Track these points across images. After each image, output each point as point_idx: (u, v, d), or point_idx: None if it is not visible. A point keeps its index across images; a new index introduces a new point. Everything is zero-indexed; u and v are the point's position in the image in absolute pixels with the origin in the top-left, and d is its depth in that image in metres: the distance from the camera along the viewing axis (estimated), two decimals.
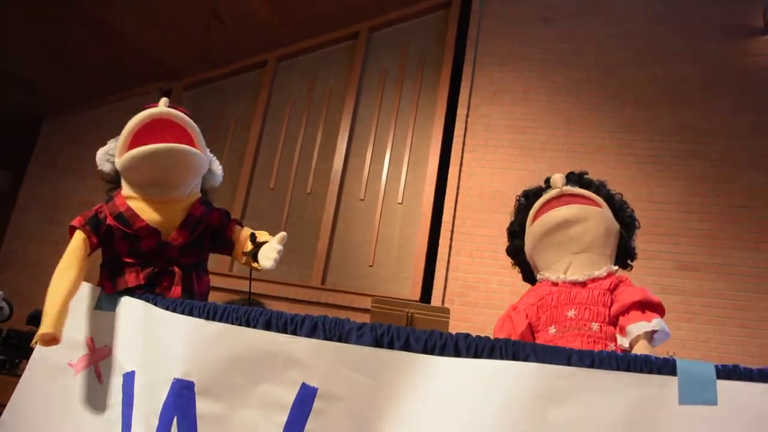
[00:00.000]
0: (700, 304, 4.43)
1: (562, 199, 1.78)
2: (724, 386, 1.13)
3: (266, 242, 1.65)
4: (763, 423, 1.10)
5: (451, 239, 4.83)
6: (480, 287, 4.67)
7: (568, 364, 1.15)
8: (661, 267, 4.50)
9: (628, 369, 1.15)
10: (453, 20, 5.52)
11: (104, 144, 1.90)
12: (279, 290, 5.01)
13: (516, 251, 1.94)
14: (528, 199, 1.93)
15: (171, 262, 1.75)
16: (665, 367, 1.15)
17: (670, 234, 4.55)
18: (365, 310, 4.43)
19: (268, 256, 1.58)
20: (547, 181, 1.92)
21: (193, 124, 1.80)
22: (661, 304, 1.67)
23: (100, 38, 5.43)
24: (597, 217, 1.73)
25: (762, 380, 1.12)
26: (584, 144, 4.85)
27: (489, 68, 5.29)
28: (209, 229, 1.87)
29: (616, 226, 1.80)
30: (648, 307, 1.63)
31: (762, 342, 4.28)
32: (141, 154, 1.67)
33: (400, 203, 5.13)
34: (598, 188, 1.87)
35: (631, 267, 1.89)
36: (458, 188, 4.92)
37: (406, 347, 1.25)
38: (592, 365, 1.16)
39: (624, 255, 1.85)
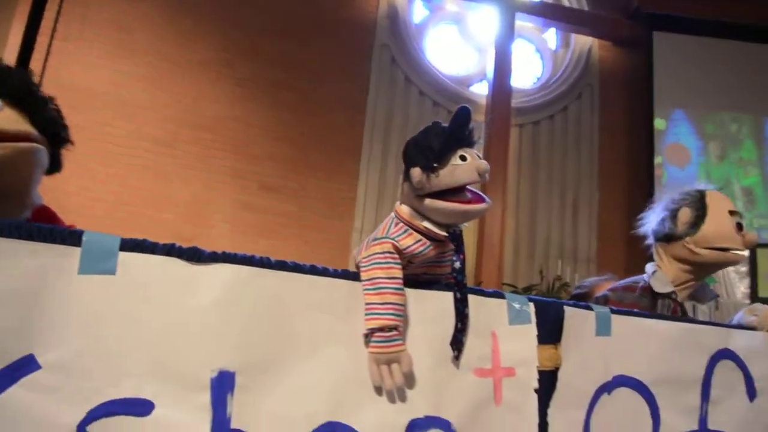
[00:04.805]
0: (277, 222, 4.88)
1: None
2: (126, 258, 1.19)
3: None
4: (155, 288, 1.20)
5: None
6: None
7: None
8: (246, 186, 4.80)
9: (31, 238, 1.14)
10: None
11: None
12: None
13: None
14: None
15: None
16: (71, 238, 1.17)
17: (257, 156, 4.86)
18: None
19: None
20: None
21: None
22: None
23: None
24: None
25: (162, 254, 1.22)
26: (188, 55, 4.78)
27: None
28: None
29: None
30: None
31: (322, 258, 4.92)
32: None
33: None
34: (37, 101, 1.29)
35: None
36: (42, 79, 4.40)
37: None
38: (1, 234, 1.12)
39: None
